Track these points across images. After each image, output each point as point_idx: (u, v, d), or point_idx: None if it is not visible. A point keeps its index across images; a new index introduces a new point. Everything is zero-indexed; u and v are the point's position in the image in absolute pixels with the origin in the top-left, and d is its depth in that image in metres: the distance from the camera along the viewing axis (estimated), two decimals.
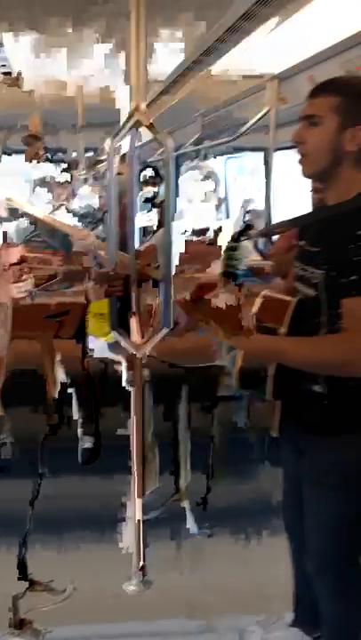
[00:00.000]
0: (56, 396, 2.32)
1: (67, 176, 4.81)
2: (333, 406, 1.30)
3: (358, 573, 1.47)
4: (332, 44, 2.22)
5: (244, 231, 1.15)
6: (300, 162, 1.29)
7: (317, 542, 1.44)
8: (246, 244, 2.12)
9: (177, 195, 5.41)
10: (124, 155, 3.58)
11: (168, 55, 2.90)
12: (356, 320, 1.16)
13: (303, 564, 1.55)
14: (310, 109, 1.24)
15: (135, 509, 2.00)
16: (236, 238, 1.16)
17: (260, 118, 3.02)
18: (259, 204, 4.30)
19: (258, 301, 1.33)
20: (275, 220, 2.57)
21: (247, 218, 1.20)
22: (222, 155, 5.08)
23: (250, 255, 2.08)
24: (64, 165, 5.17)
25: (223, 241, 1.35)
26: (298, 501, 1.48)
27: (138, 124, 1.67)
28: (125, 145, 1.84)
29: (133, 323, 2.00)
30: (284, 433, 1.46)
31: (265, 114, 2.95)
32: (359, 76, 1.25)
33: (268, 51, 2.63)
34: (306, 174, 1.30)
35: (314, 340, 1.26)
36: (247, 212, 3.37)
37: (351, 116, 1.20)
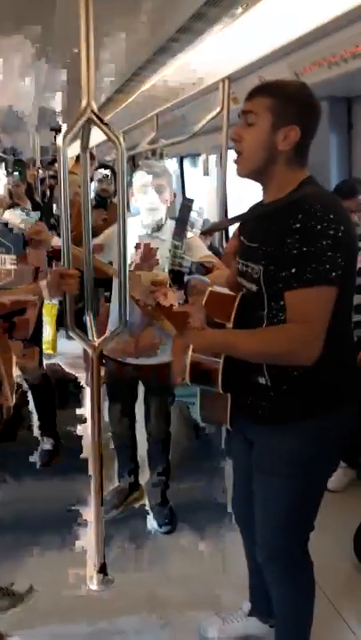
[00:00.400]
0: (13, 399, 2.28)
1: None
2: (279, 397, 1.33)
3: (306, 559, 1.52)
4: (279, 45, 2.27)
5: (179, 228, 1.16)
6: (237, 161, 1.34)
7: (267, 531, 1.47)
8: (197, 243, 2.15)
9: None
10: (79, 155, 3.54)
11: (120, 54, 2.90)
12: (297, 311, 1.20)
13: (255, 555, 1.58)
14: (247, 108, 1.30)
15: (94, 509, 1.99)
16: (179, 236, 1.17)
17: (212, 118, 3.05)
18: (201, 203, 4.35)
19: (205, 297, 1.36)
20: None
21: (192, 217, 1.22)
22: (178, 155, 5.12)
23: (201, 252, 2.10)
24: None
25: (167, 238, 1.39)
26: (249, 493, 1.51)
27: (90, 122, 1.67)
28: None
29: (89, 322, 2.00)
30: (234, 425, 1.49)
31: (218, 114, 2.98)
32: (293, 80, 1.31)
33: (220, 51, 2.67)
34: (241, 173, 1.34)
35: (260, 332, 1.29)
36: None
37: (283, 116, 1.25)
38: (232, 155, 1.40)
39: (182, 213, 1.17)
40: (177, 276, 1.25)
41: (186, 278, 1.25)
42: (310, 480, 1.38)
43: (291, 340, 1.20)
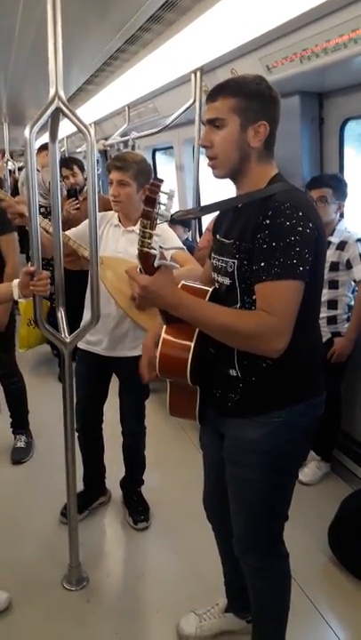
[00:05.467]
0: None
1: None
2: (248, 389, 1.34)
3: (282, 549, 1.53)
4: (251, 38, 2.25)
5: (147, 208, 1.11)
6: (212, 165, 1.34)
7: (241, 524, 1.48)
8: (169, 234, 2.12)
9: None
10: (45, 145, 3.48)
11: (91, 43, 2.84)
12: (266, 304, 1.21)
13: (229, 550, 1.58)
14: (212, 113, 1.29)
15: (70, 507, 1.97)
16: (146, 216, 1.12)
17: (185, 110, 3.02)
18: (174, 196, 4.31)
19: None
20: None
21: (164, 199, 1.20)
22: (151, 148, 5.07)
23: (173, 244, 2.09)
24: None
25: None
26: (220, 488, 1.51)
27: (58, 112, 1.63)
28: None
29: (60, 318, 1.96)
30: (205, 419, 1.49)
31: (190, 106, 2.95)
32: (250, 75, 1.30)
33: (192, 42, 2.64)
34: (219, 175, 1.34)
35: (232, 309, 1.30)
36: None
37: (249, 114, 1.26)
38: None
39: (151, 193, 1.13)
40: (144, 258, 1.20)
41: (156, 263, 1.20)
42: (281, 471, 1.40)
43: (260, 325, 1.20)
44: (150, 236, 1.16)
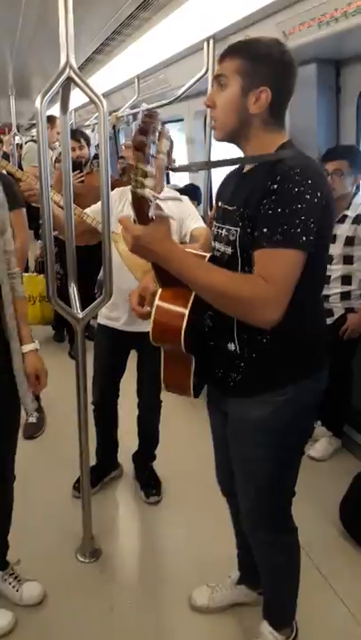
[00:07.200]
0: None
1: None
2: (249, 367, 1.31)
3: (290, 524, 1.52)
4: (267, 2, 2.17)
5: (139, 141, 0.97)
6: (213, 126, 1.30)
7: (248, 500, 1.47)
8: (191, 210, 2.10)
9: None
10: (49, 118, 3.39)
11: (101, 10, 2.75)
12: (263, 271, 1.15)
13: (240, 524, 1.59)
14: (218, 71, 1.24)
15: (83, 480, 1.98)
16: (141, 150, 0.99)
17: (196, 81, 2.94)
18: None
19: None
20: (215, 185, 2.55)
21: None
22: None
23: (194, 223, 2.06)
24: None
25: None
26: (229, 463, 1.50)
27: (69, 82, 1.58)
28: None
29: (72, 293, 1.94)
30: (209, 395, 1.46)
31: (202, 76, 2.87)
32: (267, 37, 1.22)
33: (205, 8, 2.55)
34: (217, 137, 1.30)
35: (228, 272, 1.21)
36: None
37: (252, 78, 1.19)
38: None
39: (144, 123, 1.02)
40: (138, 205, 1.09)
41: (151, 213, 1.11)
42: (287, 447, 1.38)
43: (254, 291, 1.14)
44: (145, 175, 1.04)
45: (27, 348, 1.64)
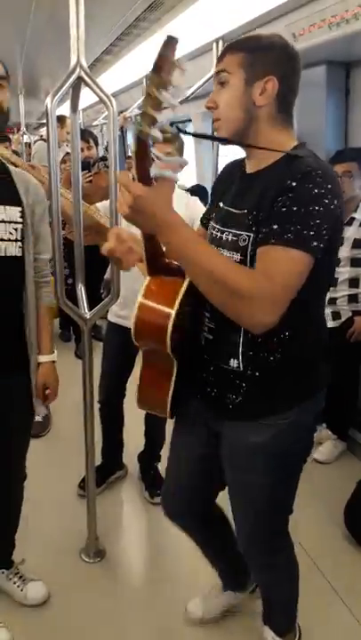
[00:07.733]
0: None
1: None
2: (252, 389, 1.22)
3: (287, 541, 1.49)
4: (277, 4, 2.17)
5: (152, 84, 0.83)
6: (215, 127, 1.19)
7: (247, 524, 1.40)
8: (199, 207, 2.09)
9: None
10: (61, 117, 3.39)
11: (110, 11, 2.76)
12: (268, 267, 1.05)
13: (212, 544, 1.59)
14: (218, 67, 1.17)
15: (89, 479, 1.98)
16: (150, 95, 0.85)
17: (205, 82, 2.94)
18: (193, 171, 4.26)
19: None
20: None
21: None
22: (168, 121, 4.98)
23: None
24: None
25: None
26: (200, 480, 1.45)
27: (79, 81, 1.59)
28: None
29: (80, 294, 1.94)
30: (191, 409, 1.34)
31: (210, 77, 2.87)
32: (263, 33, 1.18)
33: (214, 10, 2.55)
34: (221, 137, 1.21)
35: (230, 261, 1.12)
36: None
37: (256, 68, 1.12)
38: None
39: (163, 51, 0.88)
40: (141, 156, 0.95)
41: (153, 172, 0.98)
42: (287, 470, 1.32)
43: (253, 286, 1.03)
44: (153, 122, 0.89)
45: (42, 358, 1.65)
